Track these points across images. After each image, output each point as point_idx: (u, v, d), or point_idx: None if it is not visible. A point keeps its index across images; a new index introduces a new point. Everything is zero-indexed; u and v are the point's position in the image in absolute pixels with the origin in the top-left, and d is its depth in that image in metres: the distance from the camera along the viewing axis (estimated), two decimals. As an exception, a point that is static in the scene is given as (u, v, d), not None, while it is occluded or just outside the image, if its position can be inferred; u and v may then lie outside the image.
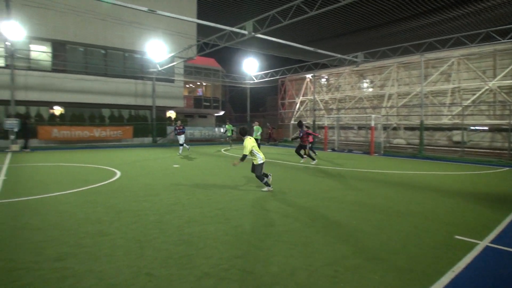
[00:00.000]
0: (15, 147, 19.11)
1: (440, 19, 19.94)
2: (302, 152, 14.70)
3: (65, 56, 24.04)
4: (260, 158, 8.10)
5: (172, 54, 24.07)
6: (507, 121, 17.52)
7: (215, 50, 20.00)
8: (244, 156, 7.96)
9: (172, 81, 28.55)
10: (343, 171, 12.36)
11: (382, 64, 24.19)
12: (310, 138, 14.70)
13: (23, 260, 4.04)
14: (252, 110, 35.00)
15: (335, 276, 3.70)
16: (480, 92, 19.42)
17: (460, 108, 20.18)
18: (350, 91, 26.97)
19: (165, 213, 6.12)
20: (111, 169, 11.86)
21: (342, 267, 3.93)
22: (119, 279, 3.57)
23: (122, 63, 26.56)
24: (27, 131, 19.47)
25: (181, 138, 17.50)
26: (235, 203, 6.96)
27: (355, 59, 22.21)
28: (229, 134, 22.80)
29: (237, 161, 8.25)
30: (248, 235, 4.97)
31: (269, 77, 29.96)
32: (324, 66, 27.93)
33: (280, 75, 29.07)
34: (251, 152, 8.08)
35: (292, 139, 14.73)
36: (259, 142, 18.93)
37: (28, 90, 22.25)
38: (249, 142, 8.02)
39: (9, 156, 16.21)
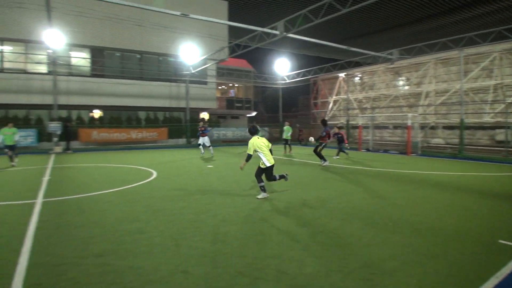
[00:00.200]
0: (58, 149, 20.12)
1: (480, 12, 19.08)
2: (318, 149, 13.47)
3: (103, 61, 25.04)
4: (265, 161, 7.36)
5: (205, 56, 24.46)
6: (556, 118, 16.47)
7: (246, 51, 20.10)
8: (248, 156, 7.32)
9: (205, 83, 29.02)
10: (379, 171, 12.08)
11: (419, 61, 23.40)
12: (329, 137, 13.89)
13: (68, 255, 4.25)
14: (284, 110, 34.90)
15: (371, 279, 3.62)
16: (526, 88, 18.38)
17: (503, 106, 19.16)
18: (385, 90, 26.30)
19: (200, 213, 6.24)
20: (148, 169, 12.22)
21: (379, 270, 3.84)
22: (156, 276, 3.68)
23: (156, 66, 27.30)
24: (68, 134, 20.45)
25: (205, 139, 17.13)
26: (269, 203, 6.98)
27: (389, 56, 21.64)
28: (287, 137, 22.41)
29: (242, 163, 7.51)
30: (282, 235, 4.97)
31: (301, 77, 29.79)
32: (358, 65, 27.38)
33: (312, 75, 28.83)
34: (257, 153, 7.40)
35: (317, 140, 13.52)
36: (289, 143, 18.84)
37: (70, 94, 23.35)
38: (254, 142, 7.34)
39: (52, 157, 17.08)
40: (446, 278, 3.70)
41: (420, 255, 4.29)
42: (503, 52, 19.28)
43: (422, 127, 22.68)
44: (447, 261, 4.14)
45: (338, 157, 16.16)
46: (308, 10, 14.34)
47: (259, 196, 7.41)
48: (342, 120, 28.38)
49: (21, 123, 22.08)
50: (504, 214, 6.34)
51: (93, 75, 24.55)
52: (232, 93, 40.08)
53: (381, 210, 6.49)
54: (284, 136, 18.33)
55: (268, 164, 7.42)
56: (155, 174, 11.02)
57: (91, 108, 25.34)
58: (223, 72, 32.37)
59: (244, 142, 28.09)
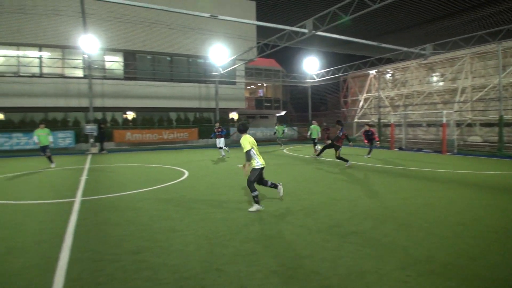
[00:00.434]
0: (94, 150, 20.90)
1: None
2: (337, 154, 12.91)
3: (135, 64, 25.77)
4: (258, 160, 6.63)
5: (233, 57, 24.63)
6: None
7: (275, 51, 20.07)
8: (248, 154, 6.48)
9: (234, 83, 29.24)
10: (412, 171, 11.75)
11: (454, 56, 22.51)
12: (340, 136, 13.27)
13: (106, 252, 4.41)
14: (314, 110, 34.58)
15: (407, 281, 3.53)
16: None
17: (547, 100, 18.14)
18: (418, 86, 25.50)
19: (231, 212, 6.30)
20: (180, 169, 12.46)
21: (415, 272, 3.73)
22: (191, 273, 3.75)
23: (186, 68, 27.81)
24: (102, 135, 21.19)
25: (221, 141, 16.87)
26: (300, 203, 6.94)
27: (423, 52, 20.97)
28: (279, 135, 22.36)
29: (246, 164, 6.56)
30: (314, 235, 4.93)
31: (331, 75, 29.40)
32: (389, 61, 26.69)
33: (342, 73, 28.38)
34: (249, 154, 6.57)
35: (333, 140, 12.96)
36: (316, 141, 18.61)
37: (104, 97, 24.21)
38: (248, 139, 6.57)
39: (89, 158, 17.75)
40: (487, 281, 3.55)
41: (458, 257, 4.14)
42: (546, 44, 18.25)
43: (458, 124, 21.82)
44: (487, 263, 3.97)
45: (369, 156, 15.83)
46: (337, 7, 14.14)
47: (252, 209, 6.39)
48: (373, 118, 27.78)
49: (60, 125, 23.12)
50: (549, 216, 6.01)
51: (126, 78, 25.33)
52: (261, 92, 40.15)
53: (416, 210, 6.31)
54: (312, 135, 18.11)
55: (261, 165, 6.61)
56: (186, 174, 11.22)
57: (124, 110, 26.14)
58: (251, 72, 32.51)
59: (273, 142, 28.10)
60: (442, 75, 24.06)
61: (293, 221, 5.68)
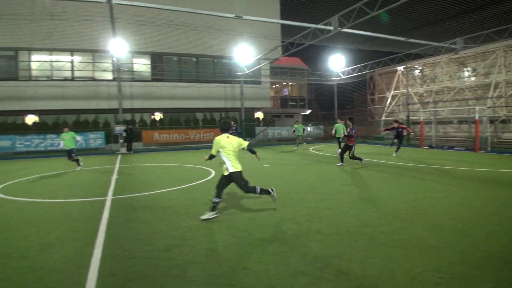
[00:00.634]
0: (124, 150, 21.47)
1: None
2: (351, 155, 12.34)
3: (162, 66, 26.28)
4: (229, 165, 6.07)
5: (258, 56, 24.68)
6: None
7: (299, 49, 19.93)
8: (210, 156, 6.23)
9: (259, 82, 29.30)
10: (443, 169, 11.40)
11: (486, 49, 21.66)
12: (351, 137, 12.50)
13: (137, 249, 4.52)
14: (340, 108, 34.15)
15: (440, 283, 3.42)
16: None
17: None
18: (448, 82, 24.71)
19: (258, 211, 6.32)
20: (207, 168, 12.61)
21: (448, 274, 3.62)
22: (219, 271, 3.79)
23: (212, 69, 28.09)
24: (129, 136, 21.69)
25: None
26: (327, 202, 6.88)
27: (453, 46, 20.28)
28: (299, 134, 21.58)
29: (206, 156, 6.36)
30: (342, 235, 4.88)
31: (357, 72, 28.90)
32: (418, 57, 25.91)
33: (368, 70, 27.85)
34: (220, 154, 6.14)
35: (345, 137, 12.39)
36: (341, 141, 18.30)
37: (133, 99, 24.84)
38: (219, 141, 6.08)
39: (119, 157, 18.25)
40: (526, 284, 3.40)
41: (493, 260, 3.98)
42: None
43: (492, 121, 20.97)
44: (526, 266, 3.80)
45: (395, 154, 15.37)
46: (363, 3, 13.89)
47: (204, 216, 5.84)
48: (402, 116, 27.14)
49: (91, 127, 23.90)
50: None
51: (153, 80, 25.89)
52: (285, 91, 40.00)
53: (448, 210, 6.12)
54: (337, 134, 17.69)
55: (232, 170, 6.05)
56: (213, 173, 11.34)
57: (152, 111, 26.72)
58: (276, 71, 32.44)
59: (305, 141, 27.91)
60: (474, 70, 23.20)
61: (321, 220, 5.63)
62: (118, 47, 20.76)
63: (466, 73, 23.92)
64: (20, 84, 22.62)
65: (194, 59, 27.48)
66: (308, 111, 38.95)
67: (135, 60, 25.74)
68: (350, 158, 12.42)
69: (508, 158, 14.45)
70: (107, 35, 21.54)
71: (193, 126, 26.65)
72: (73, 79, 23.97)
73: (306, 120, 39.77)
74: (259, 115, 33.19)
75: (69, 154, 13.23)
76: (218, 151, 6.13)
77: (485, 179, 9.32)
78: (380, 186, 8.58)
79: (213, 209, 5.93)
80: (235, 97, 28.15)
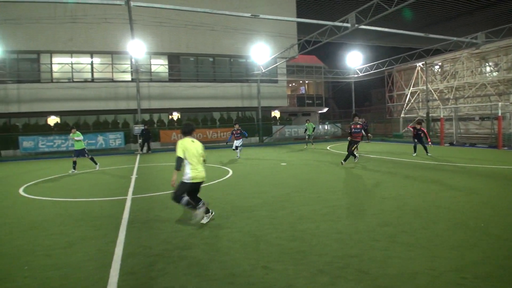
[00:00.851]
0: (142, 150, 21.79)
1: None
2: (352, 149, 12.30)
3: (179, 66, 26.53)
4: (188, 172, 5.52)
5: (275, 55, 24.62)
6: None
7: (316, 47, 19.78)
8: (178, 161, 5.42)
9: (276, 81, 29.25)
10: (465, 167, 11.14)
11: (509, 44, 21.01)
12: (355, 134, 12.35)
13: (157, 247, 4.59)
14: (357, 105, 33.75)
15: (462, 283, 3.35)
16: None
17: None
18: (469, 77, 24.10)
19: (276, 210, 6.31)
20: (224, 167, 12.68)
21: (471, 274, 3.53)
22: (238, 270, 3.81)
23: (228, 68, 28.20)
24: (145, 136, 21.90)
25: (239, 142, 16.15)
26: (345, 201, 6.82)
27: (474, 41, 19.75)
28: (309, 133, 21.41)
29: (174, 175, 5.55)
30: (362, 234, 4.82)
31: (375, 69, 28.51)
32: (437, 52, 25.35)
33: (386, 66, 27.42)
34: (179, 161, 5.44)
35: (351, 133, 12.30)
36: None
37: (151, 99, 25.18)
38: (184, 144, 5.52)
39: (138, 157, 18.53)
40: (554, 286, 3.29)
41: (519, 260, 3.88)
42: None
43: (516, 117, 20.37)
44: (554, 267, 3.69)
45: (429, 154, 14.41)
46: (381, -1, 13.69)
47: (201, 219, 5.54)
48: (421, 113, 26.64)
49: (110, 127, 24.34)
50: None
51: (170, 80, 26.17)
52: (302, 90, 39.80)
53: (470, 209, 5.98)
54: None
55: (190, 178, 5.51)
56: (231, 172, 11.39)
57: (170, 111, 27.01)
58: (293, 70, 32.32)
59: (316, 139, 27.75)
60: (496, 65, 22.56)
61: (340, 219, 5.59)
62: (136, 48, 21.06)
63: (488, 68, 23.29)
64: (42, 86, 23.22)
65: (211, 59, 27.64)
66: (325, 109, 38.65)
67: (153, 61, 26.06)
68: (348, 152, 12.28)
69: (534, 155, 14.03)
70: (126, 36, 21.88)
71: (210, 125, 26.80)
72: (93, 80, 24.47)
73: (324, 118, 39.49)
74: (276, 114, 33.13)
75: (81, 153, 13.15)
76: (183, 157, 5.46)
77: (509, 177, 9.06)
78: (400, 184, 8.45)
79: (206, 211, 5.60)
80: (252, 96, 28.18)
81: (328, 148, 20.69)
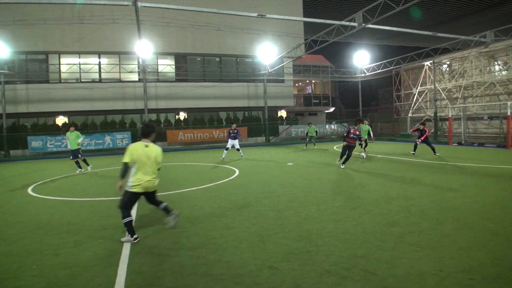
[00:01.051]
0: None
1: None
2: (347, 152, 11.79)
3: (186, 66, 26.61)
4: (133, 181, 4.95)
5: (281, 54, 24.58)
6: None
7: (323, 47, 19.70)
8: (124, 167, 4.88)
9: (282, 81, 29.21)
10: (474, 167, 11.04)
11: (519, 42, 20.76)
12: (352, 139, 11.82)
13: (164, 247, 4.62)
14: (364, 105, 33.57)
15: (470, 284, 3.32)
16: None
17: None
18: (478, 76, 23.85)
19: (283, 210, 6.31)
20: (231, 167, 12.70)
21: (479, 275, 3.50)
22: (245, 270, 3.82)
23: (235, 68, 28.22)
24: None
25: (235, 142, 15.79)
26: (353, 201, 6.79)
27: (483, 39, 19.54)
28: (311, 135, 20.86)
29: (118, 183, 4.99)
30: (369, 235, 4.80)
31: (382, 69, 28.32)
32: (445, 51, 25.08)
33: (394, 65, 27.22)
34: (124, 167, 4.90)
35: (347, 137, 11.81)
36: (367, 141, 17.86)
37: (158, 99, 25.30)
38: (134, 148, 5.00)
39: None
40: None
41: (529, 261, 3.83)
42: None
43: (526, 116, 20.11)
44: None
45: (437, 154, 14.20)
46: (388, -2, 13.59)
47: (123, 239, 4.92)
48: (429, 112, 26.43)
49: (118, 127, 24.50)
50: None
51: (177, 80, 26.27)
52: (309, 89, 39.66)
53: (480, 209, 5.92)
54: (362, 135, 17.10)
55: (132, 186, 4.94)
56: (237, 172, 11.41)
57: (176, 110, 27.11)
58: (299, 69, 32.24)
59: (322, 139, 27.68)
60: (505, 64, 22.30)
61: (347, 220, 5.56)
62: (144, 48, 21.14)
63: (497, 67, 23.03)
64: (51, 87, 23.45)
65: (218, 59, 27.68)
66: (332, 109, 38.48)
67: (159, 61, 26.17)
68: (347, 155, 11.86)
69: (544, 155, 13.85)
70: (133, 37, 22.00)
71: (216, 125, 26.85)
72: (100, 81, 24.65)
73: (330, 118, 39.31)
74: (282, 113, 33.09)
75: (74, 154, 12.77)
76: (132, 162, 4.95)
77: (518, 177, 8.96)
78: (407, 184, 8.40)
79: (130, 231, 4.89)
80: (258, 96, 28.17)
81: (335, 148, 20.61)
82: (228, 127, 26.10)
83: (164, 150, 22.39)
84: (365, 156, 13.90)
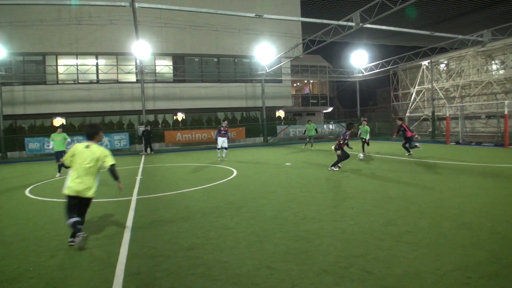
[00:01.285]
0: (148, 151, 21.86)
1: None
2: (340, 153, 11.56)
3: (184, 67, 26.60)
4: (68, 182, 4.83)
5: (279, 55, 24.59)
6: None
7: (320, 47, 19.70)
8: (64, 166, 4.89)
9: (280, 81, 29.22)
10: (472, 166, 11.06)
11: (516, 41, 20.82)
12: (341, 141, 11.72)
13: (162, 248, 4.60)
14: (362, 105, 33.60)
15: (468, 283, 3.33)
16: None
17: None
18: (475, 76, 23.90)
19: (281, 210, 6.30)
20: (229, 168, 12.69)
21: (476, 273, 3.51)
22: (243, 270, 3.81)
23: (233, 68, 28.22)
24: (147, 137, 21.82)
25: (225, 141, 15.49)
26: (350, 201, 6.79)
27: (480, 39, 19.61)
28: (310, 134, 19.92)
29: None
30: (366, 234, 4.80)
31: (379, 68, 28.38)
32: (443, 50, 25.15)
33: (391, 65, 27.29)
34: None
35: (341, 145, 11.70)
36: (365, 141, 17.87)
37: (156, 100, 25.28)
38: (76, 149, 4.91)
39: (143, 158, 18.60)
40: (562, 286, 3.26)
41: (526, 259, 3.84)
42: None
43: (523, 115, 20.18)
44: (561, 266, 3.64)
45: (408, 154, 14.29)
46: (385, -2, 13.62)
47: (75, 242, 4.62)
48: (427, 112, 26.49)
49: (115, 128, 24.45)
50: None
51: (175, 81, 26.28)
52: (307, 90, 39.71)
53: (477, 209, 5.93)
54: (362, 135, 17.04)
55: (65, 188, 4.81)
56: (235, 172, 11.40)
57: (174, 111, 27.10)
58: (297, 69, 32.28)
59: (320, 139, 27.69)
60: (502, 63, 22.36)
61: (345, 219, 5.57)
62: (141, 49, 21.13)
63: (494, 66, 23.08)
64: (48, 88, 23.40)
65: (215, 59, 27.68)
66: (330, 109, 38.54)
67: (157, 62, 26.16)
68: (343, 156, 11.71)
69: (541, 153, 13.89)
70: (131, 38, 22.00)
71: (215, 126, 26.83)
72: (98, 82, 24.61)
73: (329, 118, 39.38)
74: (281, 114, 33.10)
75: (57, 156, 12.27)
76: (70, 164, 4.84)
77: (516, 176, 8.98)
78: (405, 184, 8.41)
79: (77, 234, 4.64)
80: (256, 96, 28.17)
81: (332, 148, 20.58)
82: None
83: (162, 151, 22.47)
84: (362, 157, 13.89)
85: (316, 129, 20.20)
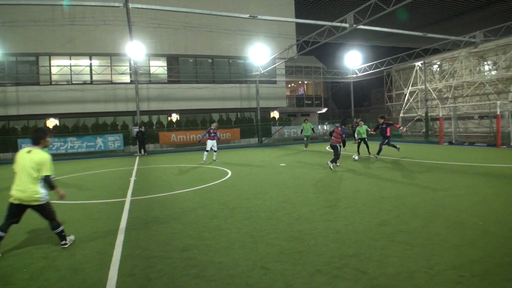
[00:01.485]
0: (138, 152, 21.76)
1: None
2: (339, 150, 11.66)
3: (178, 68, 26.54)
4: (12, 189, 4.63)
5: (274, 56, 24.62)
6: None
7: (315, 48, 19.77)
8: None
9: (275, 82, 29.24)
10: (464, 166, 11.15)
11: (507, 42, 21.03)
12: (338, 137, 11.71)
13: (156, 249, 4.59)
14: (356, 105, 33.74)
15: (460, 281, 3.36)
16: None
17: None
18: (468, 76, 24.12)
19: (275, 210, 6.32)
20: (223, 168, 12.69)
21: (468, 272, 3.54)
22: (237, 271, 3.82)
23: (227, 69, 28.21)
24: (141, 138, 21.67)
25: (214, 143, 15.09)
26: (345, 201, 6.82)
27: (472, 40, 19.78)
28: (306, 134, 19.44)
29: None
30: (360, 234, 4.83)
31: (373, 69, 28.52)
32: (436, 51, 25.37)
33: (385, 66, 27.44)
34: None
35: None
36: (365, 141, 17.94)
37: (150, 101, 25.19)
38: (16, 156, 4.73)
39: (137, 159, 18.53)
40: (552, 283, 3.30)
41: (517, 258, 3.88)
42: None
43: (515, 115, 20.38)
44: (551, 265, 3.69)
45: (377, 156, 14.22)
46: (378, -1, 13.70)
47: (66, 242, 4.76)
48: (420, 112, 26.66)
49: (109, 129, 24.33)
50: None
51: (169, 82, 26.20)
52: (301, 91, 39.79)
53: (470, 208, 5.99)
54: (360, 136, 16.84)
55: (10, 197, 4.63)
56: (230, 173, 11.40)
57: (169, 112, 27.01)
58: (291, 70, 32.32)
59: (315, 140, 27.74)
60: (494, 64, 22.59)
61: (338, 219, 5.59)
62: (135, 50, 21.05)
63: (487, 67, 23.31)
64: (41, 89, 23.22)
65: (210, 60, 27.65)
66: (324, 110, 38.63)
67: (151, 63, 26.07)
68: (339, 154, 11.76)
69: (533, 153, 14.04)
70: (124, 38, 21.90)
71: (209, 127, 26.76)
72: (91, 82, 24.47)
73: (323, 118, 39.47)
74: (275, 114, 33.12)
75: None
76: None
77: (508, 176, 9.07)
78: (399, 184, 8.46)
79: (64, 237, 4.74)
80: (251, 97, 28.17)
81: (327, 148, 20.67)
82: (220, 129, 26.10)
83: (156, 152, 22.38)
84: (357, 158, 13.93)
85: (313, 129, 19.82)
